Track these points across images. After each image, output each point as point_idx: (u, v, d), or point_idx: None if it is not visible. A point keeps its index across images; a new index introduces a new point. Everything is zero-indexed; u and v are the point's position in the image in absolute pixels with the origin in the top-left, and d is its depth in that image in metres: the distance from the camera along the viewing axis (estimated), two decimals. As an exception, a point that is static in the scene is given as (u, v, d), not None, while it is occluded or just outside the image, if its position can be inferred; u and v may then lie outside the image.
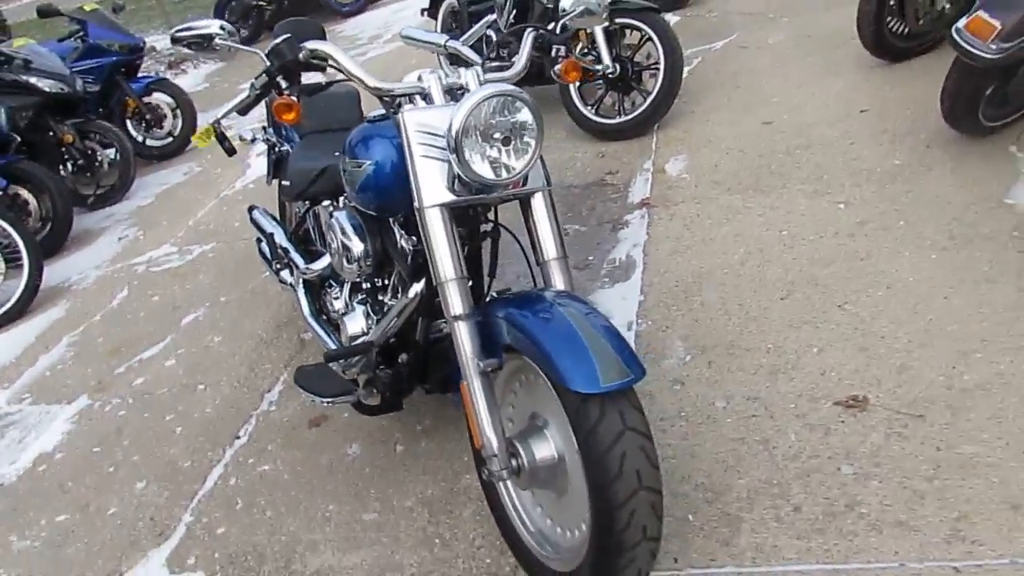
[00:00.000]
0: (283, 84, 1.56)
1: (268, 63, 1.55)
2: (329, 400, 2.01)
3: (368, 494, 2.03)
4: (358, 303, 2.02)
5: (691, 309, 2.39)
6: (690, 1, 5.45)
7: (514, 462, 1.47)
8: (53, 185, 4.26)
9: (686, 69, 3.93)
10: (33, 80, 4.41)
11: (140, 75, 5.54)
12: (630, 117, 3.61)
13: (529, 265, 1.68)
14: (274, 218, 2.70)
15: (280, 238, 2.52)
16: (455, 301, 1.48)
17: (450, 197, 1.49)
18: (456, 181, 1.48)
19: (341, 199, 2.04)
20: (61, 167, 4.68)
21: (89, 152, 4.74)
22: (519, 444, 1.49)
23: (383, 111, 1.67)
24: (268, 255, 2.61)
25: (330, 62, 1.55)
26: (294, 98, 1.55)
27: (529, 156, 1.44)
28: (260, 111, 2.45)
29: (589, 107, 3.73)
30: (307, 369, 2.14)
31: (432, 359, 1.86)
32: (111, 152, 4.82)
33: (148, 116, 5.38)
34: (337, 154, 1.80)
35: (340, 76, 1.59)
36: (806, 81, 3.71)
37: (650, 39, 3.49)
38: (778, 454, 1.80)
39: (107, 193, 4.89)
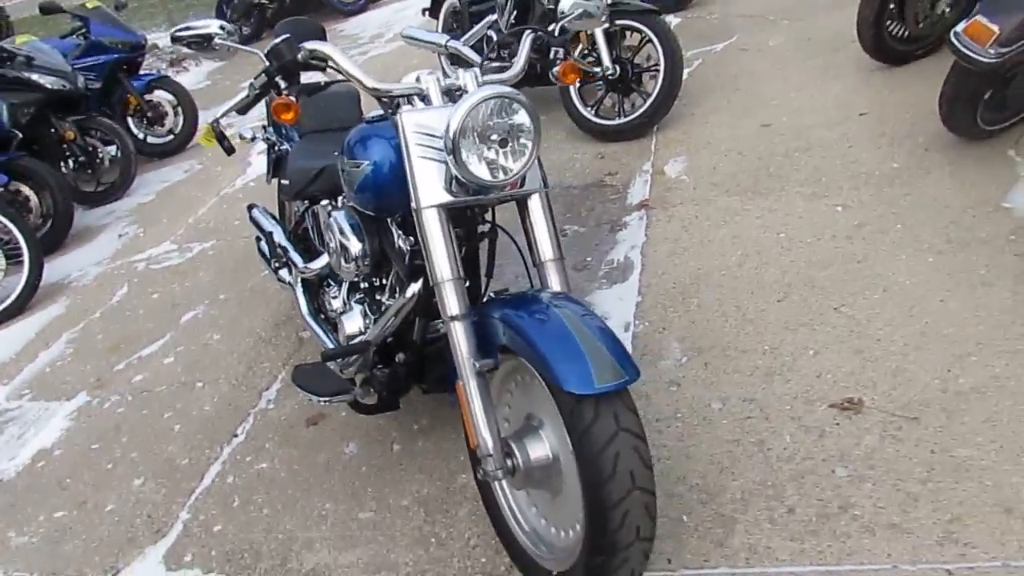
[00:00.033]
0: (282, 84, 1.57)
1: (267, 63, 1.56)
2: (326, 399, 2.02)
3: (364, 493, 2.04)
4: (356, 302, 2.03)
5: (688, 310, 2.39)
6: (691, 3, 5.46)
7: (509, 462, 1.48)
8: (54, 182, 4.27)
9: (686, 71, 3.94)
10: (35, 77, 4.43)
11: (142, 72, 5.56)
12: (630, 119, 3.62)
13: (526, 266, 1.68)
14: (273, 217, 2.71)
15: (279, 237, 2.53)
16: (451, 301, 1.49)
17: (447, 198, 1.49)
18: (453, 182, 1.48)
19: (340, 199, 2.05)
20: (62, 164, 4.69)
21: (90, 149, 4.75)
22: (514, 444, 1.49)
23: (382, 112, 1.68)
24: (267, 254, 2.62)
25: (329, 63, 1.56)
26: (293, 98, 1.56)
27: (526, 158, 1.45)
28: (260, 110, 2.46)
29: (589, 108, 3.74)
30: (305, 368, 2.14)
31: (429, 359, 1.87)
32: (112, 149, 4.84)
33: (149, 113, 5.40)
34: (336, 154, 1.81)
35: (340, 76, 1.60)
36: (806, 84, 3.72)
37: (650, 41, 3.50)
38: (773, 456, 1.80)
39: (108, 190, 4.91)
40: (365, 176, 1.63)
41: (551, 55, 1.80)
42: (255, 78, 1.61)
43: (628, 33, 3.59)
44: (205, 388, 2.69)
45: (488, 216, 1.70)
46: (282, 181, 2.52)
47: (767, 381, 2.03)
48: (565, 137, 3.87)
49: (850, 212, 2.64)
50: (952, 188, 2.60)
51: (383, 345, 1.87)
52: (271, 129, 2.66)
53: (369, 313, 1.98)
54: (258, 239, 2.70)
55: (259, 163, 4.58)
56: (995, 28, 2.31)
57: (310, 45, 1.56)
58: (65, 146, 4.65)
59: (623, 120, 3.65)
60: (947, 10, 3.27)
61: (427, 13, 5.36)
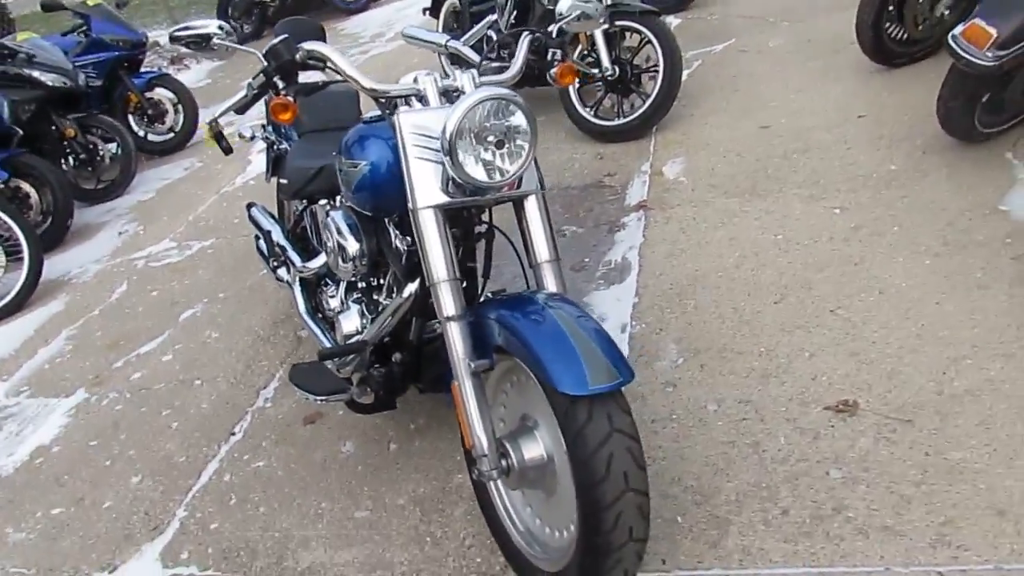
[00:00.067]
0: (280, 84, 1.57)
1: (265, 63, 1.56)
2: (323, 398, 2.02)
3: (361, 492, 2.04)
4: (353, 302, 2.03)
5: (685, 312, 2.40)
6: (692, 4, 5.46)
7: (504, 462, 1.49)
8: (55, 179, 4.28)
9: (686, 72, 3.95)
10: (36, 74, 4.43)
11: (142, 70, 5.57)
12: (629, 119, 3.62)
13: (522, 267, 1.69)
14: (272, 216, 2.72)
15: (278, 236, 2.54)
16: (447, 302, 1.49)
17: (444, 199, 1.50)
18: (450, 183, 1.49)
19: (338, 198, 2.06)
20: (63, 161, 4.71)
21: (91, 146, 4.76)
22: (509, 444, 1.50)
23: (379, 112, 1.68)
24: (266, 252, 2.62)
25: (327, 63, 1.57)
26: (290, 98, 1.56)
27: (522, 159, 1.46)
28: (260, 108, 2.47)
29: (588, 109, 3.74)
30: (302, 367, 2.15)
31: (426, 359, 1.87)
32: (113, 147, 4.85)
33: (150, 111, 5.41)
34: (334, 154, 1.82)
35: (339, 76, 1.61)
36: (805, 85, 3.72)
37: (649, 42, 3.50)
38: (767, 457, 1.81)
39: (108, 187, 4.92)
40: (362, 176, 1.64)
41: (548, 56, 1.80)
42: (253, 78, 1.62)
43: (628, 34, 3.60)
44: (203, 386, 2.69)
45: (485, 217, 1.71)
46: (281, 180, 2.53)
47: (763, 383, 2.03)
48: (564, 137, 3.87)
49: (847, 214, 2.65)
50: (949, 191, 2.60)
51: (380, 345, 1.87)
52: (270, 128, 2.67)
53: (366, 313, 1.98)
54: (257, 238, 2.71)
55: (259, 161, 4.58)
56: (993, 31, 2.31)
57: (308, 46, 1.56)
58: (66, 143, 4.67)
59: (622, 121, 3.65)
60: (946, 13, 3.27)
61: (428, 12, 5.36)
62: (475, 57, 1.75)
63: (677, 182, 3.20)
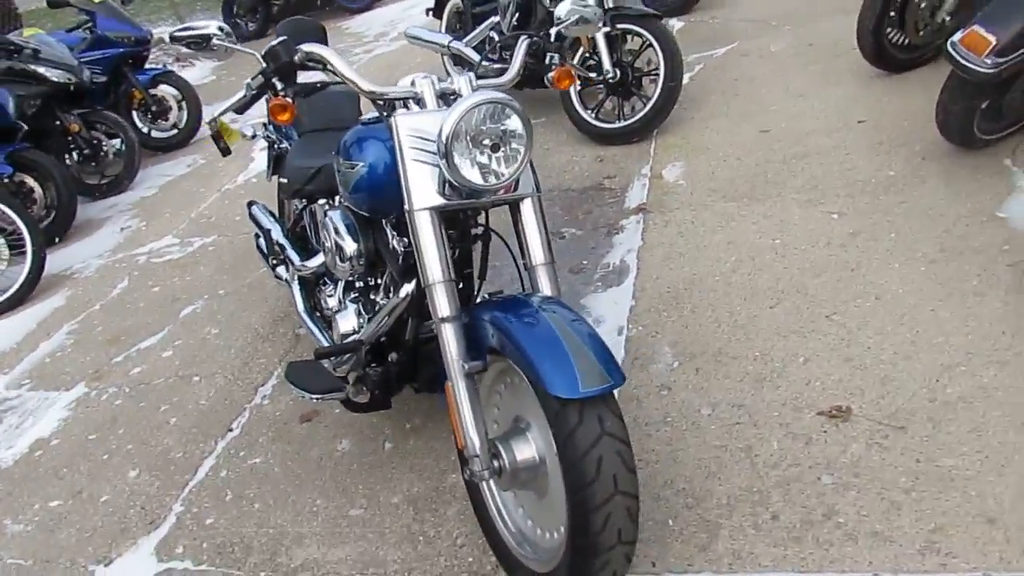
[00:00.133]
0: (278, 85, 1.58)
1: (264, 64, 1.57)
2: (318, 396, 2.04)
3: (355, 490, 2.06)
4: (351, 301, 2.05)
5: (681, 315, 2.41)
6: (694, 7, 5.46)
7: (496, 463, 1.50)
8: (58, 174, 4.30)
9: (687, 75, 3.96)
10: (41, 70, 4.45)
11: (147, 67, 5.59)
12: (629, 122, 3.63)
13: (518, 269, 1.70)
14: (273, 214, 2.73)
15: (277, 234, 2.55)
16: (442, 303, 1.50)
17: (440, 201, 1.51)
18: (446, 185, 1.50)
19: (337, 198, 2.07)
20: (67, 156, 4.73)
21: (95, 142, 4.79)
22: (501, 445, 1.51)
23: (378, 114, 1.70)
24: (265, 251, 2.63)
25: (326, 66, 1.58)
26: (289, 99, 1.57)
27: (518, 163, 1.47)
28: (262, 107, 2.48)
29: (589, 111, 3.75)
30: (298, 365, 2.16)
31: (421, 359, 1.89)
32: (116, 143, 4.87)
33: (154, 108, 5.43)
34: (334, 154, 1.83)
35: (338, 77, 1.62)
36: (805, 90, 3.73)
37: (651, 45, 3.51)
38: (760, 462, 1.82)
39: (111, 183, 4.94)
40: (360, 177, 1.65)
41: (547, 60, 1.81)
42: (252, 79, 1.63)
43: (629, 37, 3.60)
44: (202, 382, 2.71)
45: (481, 219, 1.72)
46: (280, 179, 2.54)
47: (757, 387, 2.04)
48: (565, 139, 3.88)
49: (845, 220, 2.65)
50: (947, 197, 2.61)
51: (376, 344, 1.88)
52: (271, 127, 2.68)
53: (363, 312, 2.00)
54: (257, 236, 2.72)
55: (261, 159, 4.60)
56: (992, 38, 2.32)
57: (307, 47, 1.57)
58: (70, 139, 4.69)
59: (623, 124, 3.66)
60: (947, 19, 3.28)
61: (431, 13, 5.37)
62: (476, 58, 1.76)
63: (676, 185, 3.21)
